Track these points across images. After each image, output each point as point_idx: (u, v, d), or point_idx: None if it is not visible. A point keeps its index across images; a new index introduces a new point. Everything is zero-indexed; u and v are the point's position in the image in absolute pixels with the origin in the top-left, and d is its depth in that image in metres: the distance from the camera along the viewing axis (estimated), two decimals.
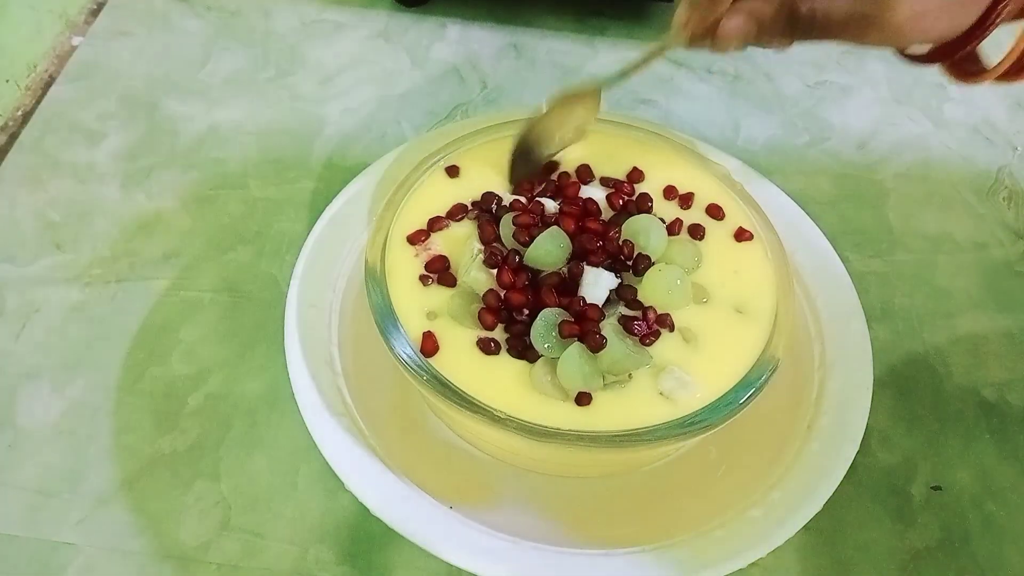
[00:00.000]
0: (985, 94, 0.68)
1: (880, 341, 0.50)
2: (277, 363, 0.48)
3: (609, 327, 0.38)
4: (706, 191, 0.46)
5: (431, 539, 0.37)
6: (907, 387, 0.50)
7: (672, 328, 0.39)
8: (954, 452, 0.47)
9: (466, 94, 0.65)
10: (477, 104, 0.64)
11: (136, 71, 0.64)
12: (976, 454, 0.47)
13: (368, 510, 0.38)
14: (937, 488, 0.46)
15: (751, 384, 0.38)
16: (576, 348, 0.37)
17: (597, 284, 0.39)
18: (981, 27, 0.33)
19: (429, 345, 0.38)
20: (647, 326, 0.39)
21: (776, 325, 0.40)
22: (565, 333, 0.37)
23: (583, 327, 0.38)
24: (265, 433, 0.46)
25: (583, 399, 0.37)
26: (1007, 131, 0.65)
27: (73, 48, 0.66)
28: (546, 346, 0.37)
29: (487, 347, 0.38)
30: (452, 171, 0.46)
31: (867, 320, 0.45)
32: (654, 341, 0.39)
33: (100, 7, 0.69)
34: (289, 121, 0.62)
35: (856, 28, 0.33)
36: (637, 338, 0.38)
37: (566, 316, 0.38)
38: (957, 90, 0.68)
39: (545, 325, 0.38)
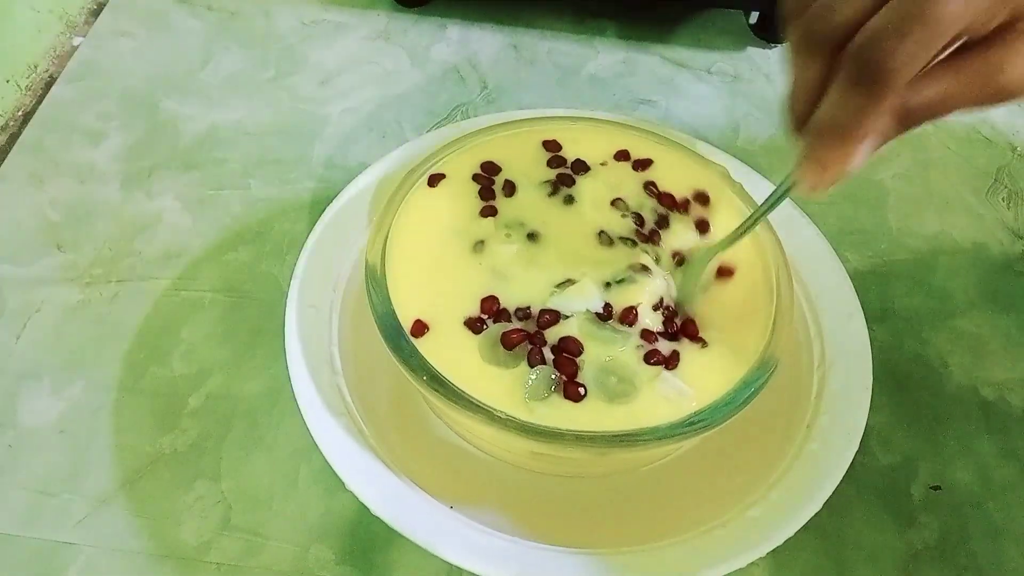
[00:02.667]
0: None
1: (880, 341, 0.50)
2: (277, 363, 0.48)
3: (593, 370, 0.38)
4: (705, 189, 0.46)
5: (431, 539, 0.37)
6: (907, 387, 0.50)
7: (692, 335, 0.39)
8: (954, 452, 0.47)
9: (466, 94, 0.65)
10: (477, 104, 0.64)
11: (136, 71, 0.64)
12: (976, 454, 0.47)
13: (368, 510, 0.38)
14: (937, 488, 0.46)
15: (751, 384, 0.38)
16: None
17: (581, 296, 0.39)
18: None
19: (418, 328, 0.38)
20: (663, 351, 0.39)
21: (776, 325, 0.40)
22: (508, 344, 0.37)
23: (561, 370, 0.37)
24: (265, 433, 0.46)
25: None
26: (1007, 131, 0.65)
27: (73, 48, 0.66)
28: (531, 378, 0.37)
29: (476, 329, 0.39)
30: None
31: (867, 320, 0.45)
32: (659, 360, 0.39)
33: (100, 7, 0.69)
34: (289, 121, 0.62)
35: (971, 98, 0.29)
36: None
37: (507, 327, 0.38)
38: None
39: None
